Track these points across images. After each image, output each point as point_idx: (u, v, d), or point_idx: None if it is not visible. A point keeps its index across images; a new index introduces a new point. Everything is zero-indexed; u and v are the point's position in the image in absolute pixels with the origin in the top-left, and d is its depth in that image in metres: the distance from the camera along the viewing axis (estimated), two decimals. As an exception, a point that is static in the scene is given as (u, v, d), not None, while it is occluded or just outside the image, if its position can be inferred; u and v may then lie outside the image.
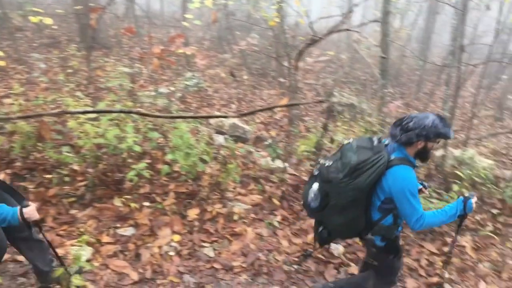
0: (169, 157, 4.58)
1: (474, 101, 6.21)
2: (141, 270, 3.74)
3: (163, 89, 8.79)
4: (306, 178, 5.63)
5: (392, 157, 2.76)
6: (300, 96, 10.70)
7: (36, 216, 2.64)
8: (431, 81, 13.11)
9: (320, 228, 3.11)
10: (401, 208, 2.74)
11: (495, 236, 5.01)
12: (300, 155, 5.83)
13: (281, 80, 8.84)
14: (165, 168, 4.57)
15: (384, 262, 3.10)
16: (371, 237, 2.94)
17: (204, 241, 4.25)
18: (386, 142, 2.91)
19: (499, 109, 12.13)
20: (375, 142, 2.84)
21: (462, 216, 2.91)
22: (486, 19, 13.30)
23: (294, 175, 5.78)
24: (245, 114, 1.45)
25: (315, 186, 2.96)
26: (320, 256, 4.29)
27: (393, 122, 2.89)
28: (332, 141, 5.46)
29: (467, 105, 12.33)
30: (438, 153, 6.42)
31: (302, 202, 3.27)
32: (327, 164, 2.90)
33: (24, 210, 2.55)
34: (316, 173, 3.02)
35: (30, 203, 2.62)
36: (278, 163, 5.68)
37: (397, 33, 13.21)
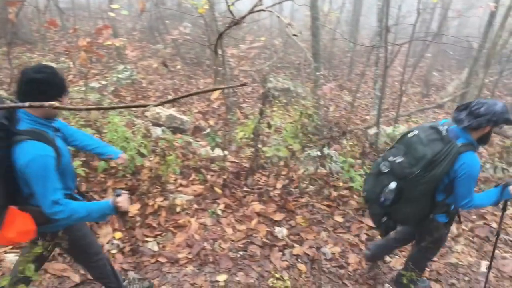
0: (104, 152, 4.44)
1: (402, 80, 6.48)
2: (82, 272, 3.61)
3: (94, 84, 8.48)
4: (246, 165, 5.67)
5: (459, 143, 2.82)
6: (236, 83, 10.71)
7: (127, 206, 2.54)
8: (362, 62, 13.53)
9: (384, 219, 3.19)
10: (459, 189, 2.87)
11: (427, 206, 5.28)
12: (239, 142, 5.85)
13: (216, 68, 8.79)
14: (101, 164, 4.43)
15: (443, 233, 3.30)
16: (434, 216, 3.09)
17: (147, 236, 4.18)
18: (446, 127, 2.95)
19: (426, 85, 12.75)
20: (444, 132, 2.88)
21: (505, 201, 3.08)
22: (409, 0, 13.88)
23: (234, 162, 5.80)
24: (165, 102, 1.43)
25: (392, 185, 2.96)
26: (264, 240, 4.36)
27: (456, 107, 2.97)
28: (269, 126, 5.52)
29: (396, 84, 12.87)
30: (372, 131, 6.67)
31: (364, 196, 3.32)
32: (398, 161, 2.95)
33: (118, 199, 2.48)
34: (385, 170, 3.03)
35: (123, 192, 2.53)
36: (218, 152, 5.67)
37: (327, 16, 13.50)
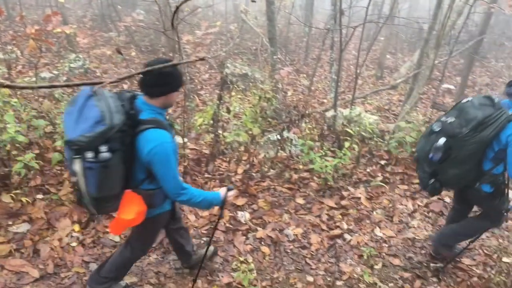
0: (59, 144, 4.30)
1: (357, 63, 6.60)
2: (41, 266, 3.53)
3: (45, 74, 8.20)
4: (207, 151, 5.64)
5: (510, 112, 3.03)
6: (194, 70, 10.60)
7: (231, 200, 2.95)
8: (317, 47, 13.66)
9: (432, 180, 3.41)
10: None
11: (385, 185, 5.45)
12: (198, 128, 5.80)
13: (172, 55, 8.64)
14: (55, 156, 4.28)
15: (492, 206, 3.47)
16: (479, 185, 3.29)
17: (108, 227, 4.11)
18: (499, 99, 3.17)
19: (380, 68, 13.01)
20: (496, 100, 3.11)
21: None
22: (361, -16, 14.06)
23: (194, 149, 5.76)
24: (122, 79, 1.42)
25: (441, 141, 3.17)
26: (227, 225, 4.37)
27: (507, 83, 3.20)
28: (228, 111, 5.50)
29: (351, 67, 13.09)
30: (330, 113, 6.77)
31: (415, 156, 3.59)
32: (449, 121, 3.18)
33: (230, 193, 2.85)
34: (437, 129, 3.26)
35: (232, 187, 2.92)
36: (177, 139, 5.61)
37: (282, 1, 13.50)
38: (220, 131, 5.41)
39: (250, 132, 5.31)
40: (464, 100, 3.26)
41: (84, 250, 3.79)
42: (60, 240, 3.82)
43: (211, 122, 5.29)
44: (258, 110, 5.38)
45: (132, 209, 2.58)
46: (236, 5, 15.66)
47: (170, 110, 7.72)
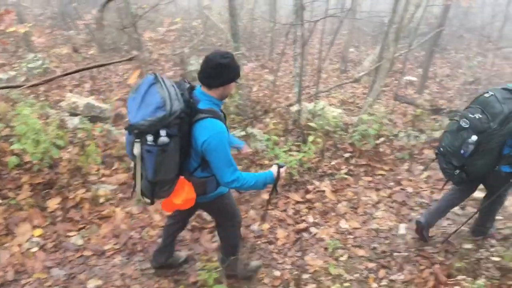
0: (16, 147, 4.17)
1: (320, 57, 6.65)
2: (1, 273, 3.43)
3: (2, 75, 7.94)
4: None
5: None
6: (158, 68, 10.47)
7: (283, 176, 3.01)
8: (282, 42, 13.70)
9: (457, 172, 3.55)
10: None
11: (349, 177, 5.52)
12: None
13: (135, 52, 8.51)
14: (12, 159, 4.16)
15: (504, 184, 3.61)
16: (499, 167, 3.46)
17: (70, 230, 4.03)
18: None
19: (343, 62, 13.15)
20: None
21: None
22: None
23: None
24: (46, 81, 1.38)
25: (474, 137, 3.30)
26: (194, 223, 4.34)
27: None
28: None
29: (316, 61, 13.18)
30: (294, 108, 6.80)
31: (441, 151, 3.65)
32: (478, 117, 3.30)
33: (282, 170, 2.88)
34: (466, 126, 3.36)
35: (283, 164, 2.97)
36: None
37: (245, -4, 13.48)
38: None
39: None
40: (487, 95, 3.41)
41: (46, 255, 3.71)
42: (19, 245, 3.72)
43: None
44: (221, 107, 5.35)
45: (181, 195, 2.71)
46: (199, 0, 15.51)
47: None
